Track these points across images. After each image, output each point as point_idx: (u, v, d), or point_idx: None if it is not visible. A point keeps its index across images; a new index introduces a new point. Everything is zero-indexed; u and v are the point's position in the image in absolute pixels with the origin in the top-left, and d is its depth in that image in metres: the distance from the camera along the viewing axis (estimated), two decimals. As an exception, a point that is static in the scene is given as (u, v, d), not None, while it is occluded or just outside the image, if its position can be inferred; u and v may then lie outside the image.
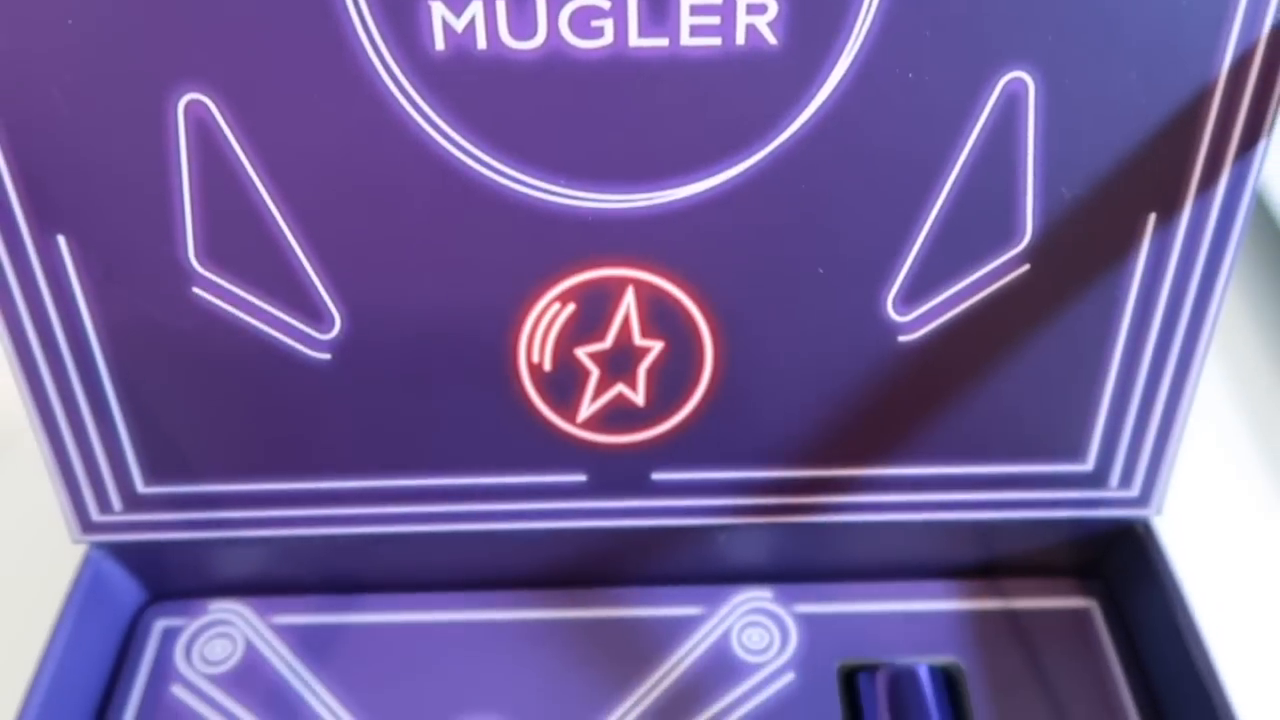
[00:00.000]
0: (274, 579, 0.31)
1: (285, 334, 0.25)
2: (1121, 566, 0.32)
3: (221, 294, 0.25)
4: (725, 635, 0.31)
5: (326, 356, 0.26)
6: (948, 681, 0.30)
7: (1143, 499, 0.29)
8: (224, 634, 0.31)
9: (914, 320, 0.26)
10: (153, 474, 0.27)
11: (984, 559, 0.32)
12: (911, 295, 0.25)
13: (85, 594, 0.29)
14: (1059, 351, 0.27)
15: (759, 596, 0.32)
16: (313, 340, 0.26)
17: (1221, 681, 0.27)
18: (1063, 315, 0.26)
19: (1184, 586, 0.29)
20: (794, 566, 0.32)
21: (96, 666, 0.30)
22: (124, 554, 0.30)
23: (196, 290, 0.25)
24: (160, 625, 0.31)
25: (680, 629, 0.32)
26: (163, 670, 0.30)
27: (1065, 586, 0.33)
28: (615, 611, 0.32)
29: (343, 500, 0.28)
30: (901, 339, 0.26)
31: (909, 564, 0.32)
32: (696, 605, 0.32)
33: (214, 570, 0.31)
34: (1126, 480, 0.29)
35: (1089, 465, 0.28)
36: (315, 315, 0.25)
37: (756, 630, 0.32)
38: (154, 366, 0.26)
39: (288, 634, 0.31)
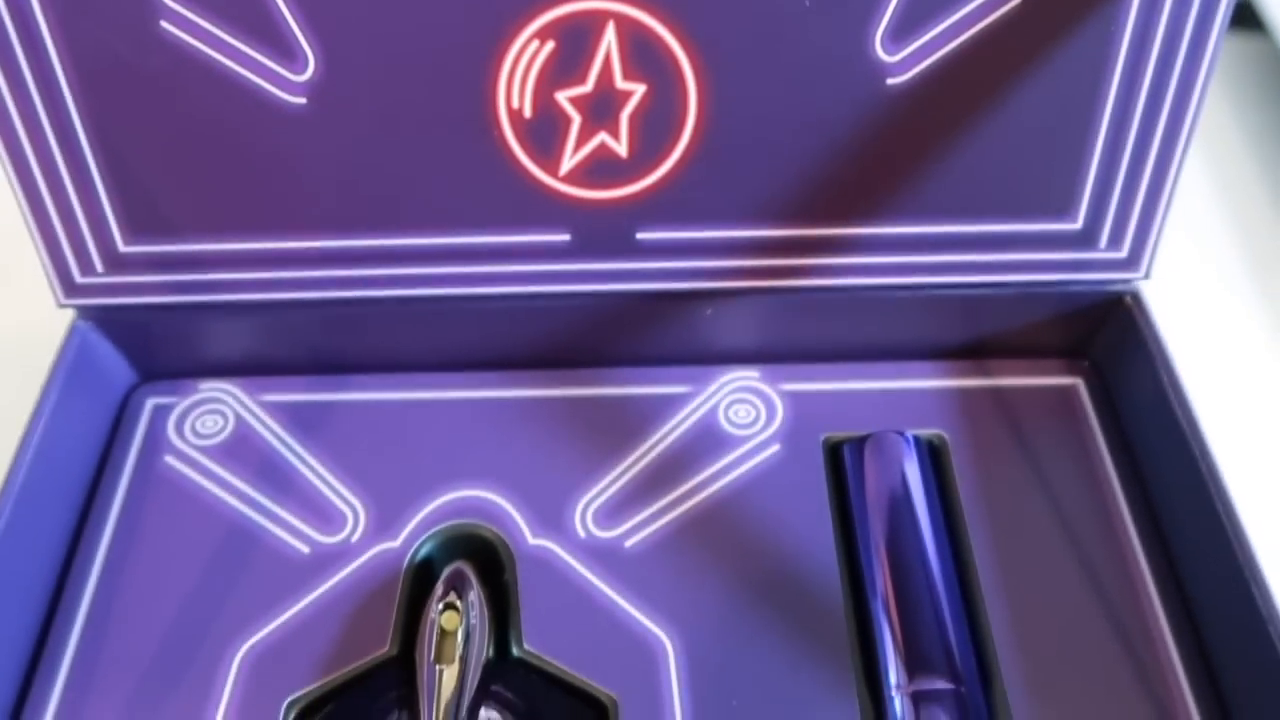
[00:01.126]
0: (262, 359, 0.32)
1: (259, 75, 0.25)
2: (1109, 342, 0.32)
3: (191, 29, 0.24)
4: (712, 411, 0.32)
5: (302, 101, 0.25)
6: (932, 452, 0.31)
7: (1131, 261, 0.29)
8: (215, 410, 0.32)
9: (903, 61, 0.25)
10: (132, 232, 0.27)
11: (971, 338, 0.32)
12: (900, 31, 0.25)
13: (72, 365, 0.29)
14: (1050, 98, 0.26)
15: (746, 376, 0.32)
16: (287, 83, 0.25)
17: (1210, 451, 0.27)
18: (1054, 56, 0.25)
19: (1172, 355, 0.29)
20: (781, 347, 0.32)
21: (88, 440, 0.30)
22: (110, 326, 0.30)
23: (165, 24, 0.24)
24: (151, 403, 0.32)
25: (668, 406, 0.32)
26: (154, 443, 0.31)
27: (1052, 366, 0.33)
28: (603, 390, 0.32)
29: (326, 261, 0.28)
30: (890, 82, 0.26)
31: (896, 344, 0.32)
32: (684, 384, 0.32)
33: (202, 349, 0.31)
34: (1116, 241, 0.28)
35: (1078, 224, 0.28)
36: (288, 54, 0.25)
37: (743, 406, 0.32)
38: (128, 115, 0.25)
39: (278, 411, 0.32)
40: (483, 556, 0.29)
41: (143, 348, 0.31)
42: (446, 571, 0.28)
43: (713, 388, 0.32)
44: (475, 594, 0.27)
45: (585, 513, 0.30)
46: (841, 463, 0.31)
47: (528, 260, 0.28)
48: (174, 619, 0.27)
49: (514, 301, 0.29)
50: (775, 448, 0.31)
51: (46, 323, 0.31)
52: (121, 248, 0.27)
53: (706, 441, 0.31)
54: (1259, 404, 0.36)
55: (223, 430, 0.31)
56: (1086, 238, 0.28)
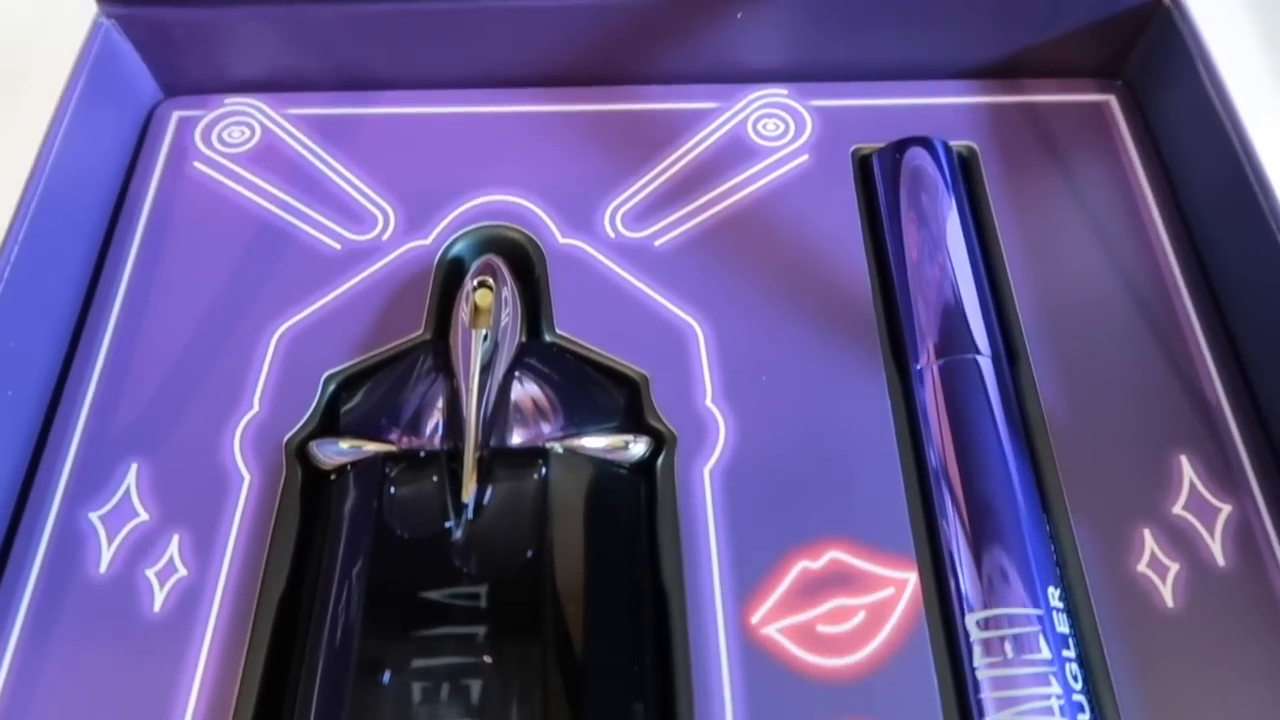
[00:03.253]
0: (286, 73, 0.31)
1: None
2: (1142, 59, 0.31)
3: None
4: (741, 124, 0.31)
5: None
6: (962, 162, 0.31)
7: (1174, -55, 0.28)
8: (240, 122, 0.31)
9: None
10: (155, -94, 0.27)
11: (1002, 55, 0.31)
12: None
13: (94, 67, 0.29)
14: None
15: (774, 92, 0.32)
16: None
17: (1256, 155, 0.27)
18: None
19: (1215, 61, 0.29)
20: (809, 63, 0.32)
21: (113, 145, 0.30)
22: (133, 26, 0.30)
23: None
24: (176, 115, 0.31)
25: (696, 120, 0.31)
26: (181, 151, 0.31)
27: (1084, 85, 0.32)
28: (631, 106, 0.32)
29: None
30: None
31: (926, 62, 0.32)
32: (712, 100, 0.32)
33: (224, 61, 0.31)
34: (1159, -78, 0.28)
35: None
36: None
37: (772, 120, 0.31)
38: None
39: (304, 123, 0.31)
40: (513, 255, 0.29)
41: (166, 57, 0.31)
42: (478, 262, 0.28)
43: (741, 103, 0.32)
44: (508, 282, 0.27)
45: (614, 215, 0.30)
46: (871, 172, 0.30)
47: (556, -58, 0.27)
48: (208, 306, 0.28)
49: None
50: (804, 158, 0.30)
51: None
52: (144, -77, 0.27)
53: (735, 152, 0.31)
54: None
55: (249, 140, 0.31)
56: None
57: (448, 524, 0.23)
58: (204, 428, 0.25)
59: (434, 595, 0.21)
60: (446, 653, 0.21)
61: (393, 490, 0.23)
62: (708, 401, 0.26)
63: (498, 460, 0.23)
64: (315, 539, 0.24)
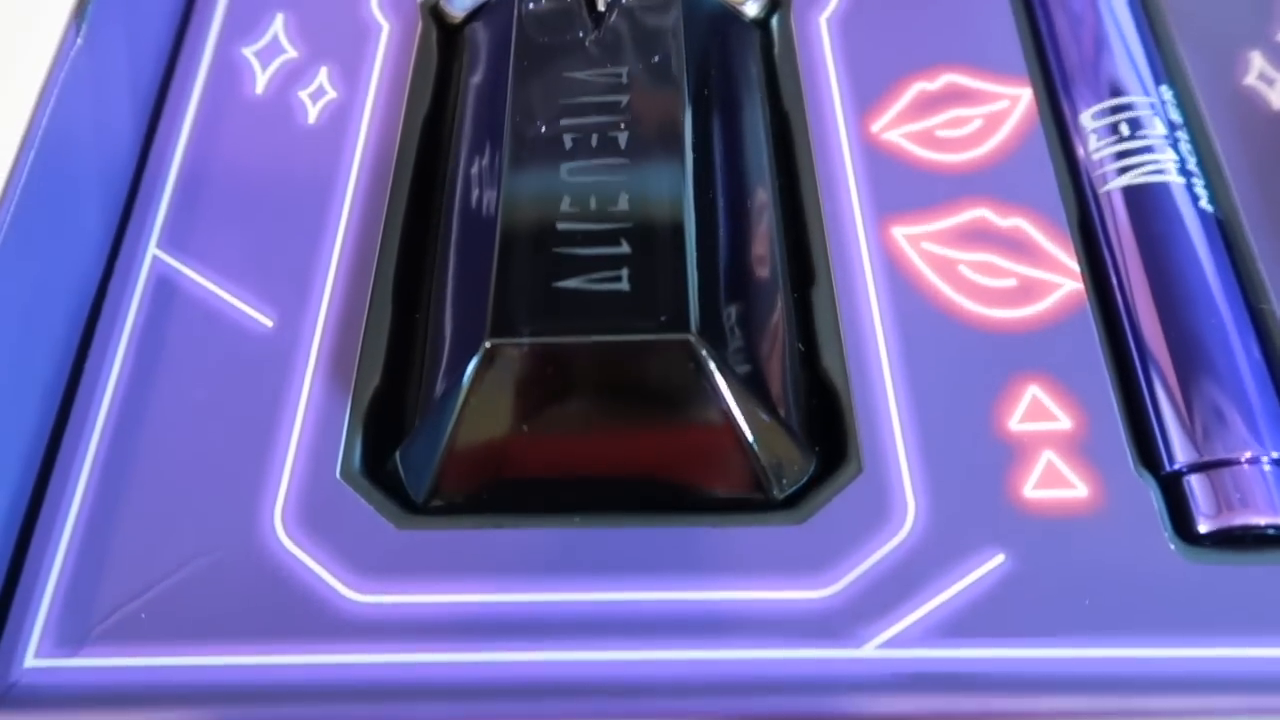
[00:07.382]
0: None
1: None
2: None
3: None
4: None
5: None
6: None
7: None
8: None
9: None
10: None
11: None
12: None
13: None
14: None
15: None
16: None
17: None
18: None
19: None
20: None
21: None
22: None
23: None
24: None
25: None
26: None
27: None
28: None
29: None
30: None
31: None
32: None
33: None
34: None
35: None
36: None
37: None
38: None
39: None
40: None
41: None
42: None
43: None
44: None
45: None
46: None
47: None
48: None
49: None
50: None
51: None
52: None
53: None
54: None
55: None
56: None
57: (584, 33, 0.24)
58: (343, -14, 0.27)
59: (577, 74, 0.23)
60: (593, 112, 0.22)
61: (530, 6, 0.24)
62: (820, -32, 0.27)
63: (628, -18, 0.25)
64: (454, 76, 0.26)
